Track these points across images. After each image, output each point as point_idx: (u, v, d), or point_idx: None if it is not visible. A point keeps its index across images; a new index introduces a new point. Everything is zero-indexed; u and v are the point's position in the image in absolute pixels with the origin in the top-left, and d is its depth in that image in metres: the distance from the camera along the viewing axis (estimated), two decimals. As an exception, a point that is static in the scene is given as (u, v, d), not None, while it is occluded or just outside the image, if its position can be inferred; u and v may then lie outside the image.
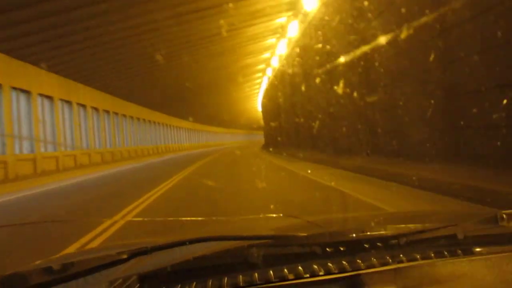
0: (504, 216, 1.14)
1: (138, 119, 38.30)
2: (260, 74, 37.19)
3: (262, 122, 46.63)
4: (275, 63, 28.95)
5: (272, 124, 31.58)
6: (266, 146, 36.04)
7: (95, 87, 26.12)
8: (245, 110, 66.36)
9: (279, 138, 29.55)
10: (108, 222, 4.84)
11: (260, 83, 41.70)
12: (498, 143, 5.89)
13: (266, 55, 29.79)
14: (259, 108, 51.62)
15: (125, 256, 1.00)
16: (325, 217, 2.22)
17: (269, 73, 33.34)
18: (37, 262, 1.07)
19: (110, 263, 0.99)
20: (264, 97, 41.33)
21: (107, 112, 29.85)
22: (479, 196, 4.74)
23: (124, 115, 34.05)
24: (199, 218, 2.48)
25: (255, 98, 51.54)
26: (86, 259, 1.08)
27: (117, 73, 24.44)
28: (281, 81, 26.76)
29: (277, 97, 27.96)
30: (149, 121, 42.15)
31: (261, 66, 33.56)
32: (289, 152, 20.30)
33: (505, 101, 5.66)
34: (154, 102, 38.59)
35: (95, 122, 27.28)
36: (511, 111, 5.64)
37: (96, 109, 27.46)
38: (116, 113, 31.99)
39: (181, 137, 57.11)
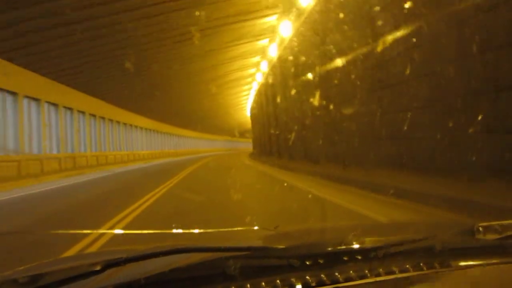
0: (481, 228, 1.15)
1: (35, 99, 19.47)
2: (250, 79, 34.07)
3: (247, 127, 43.83)
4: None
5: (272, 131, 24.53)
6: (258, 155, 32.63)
7: None
8: (231, 113, 54.28)
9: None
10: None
11: (249, 88, 38.00)
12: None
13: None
14: (247, 111, 46.41)
15: (99, 268, 0.94)
16: (303, 227, 2.15)
17: (264, 68, 29.07)
18: (4, 273, 0.97)
19: (83, 274, 0.93)
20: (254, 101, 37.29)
21: None
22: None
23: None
24: (173, 231, 1.82)
25: (241, 99, 44.45)
26: (58, 270, 1.00)
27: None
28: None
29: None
30: (69, 108, 23.31)
31: (252, 71, 31.28)
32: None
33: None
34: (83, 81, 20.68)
35: None
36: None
37: None
38: None
39: (133, 141, 38.15)
